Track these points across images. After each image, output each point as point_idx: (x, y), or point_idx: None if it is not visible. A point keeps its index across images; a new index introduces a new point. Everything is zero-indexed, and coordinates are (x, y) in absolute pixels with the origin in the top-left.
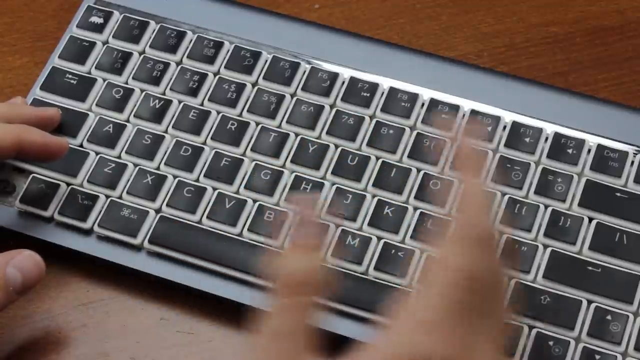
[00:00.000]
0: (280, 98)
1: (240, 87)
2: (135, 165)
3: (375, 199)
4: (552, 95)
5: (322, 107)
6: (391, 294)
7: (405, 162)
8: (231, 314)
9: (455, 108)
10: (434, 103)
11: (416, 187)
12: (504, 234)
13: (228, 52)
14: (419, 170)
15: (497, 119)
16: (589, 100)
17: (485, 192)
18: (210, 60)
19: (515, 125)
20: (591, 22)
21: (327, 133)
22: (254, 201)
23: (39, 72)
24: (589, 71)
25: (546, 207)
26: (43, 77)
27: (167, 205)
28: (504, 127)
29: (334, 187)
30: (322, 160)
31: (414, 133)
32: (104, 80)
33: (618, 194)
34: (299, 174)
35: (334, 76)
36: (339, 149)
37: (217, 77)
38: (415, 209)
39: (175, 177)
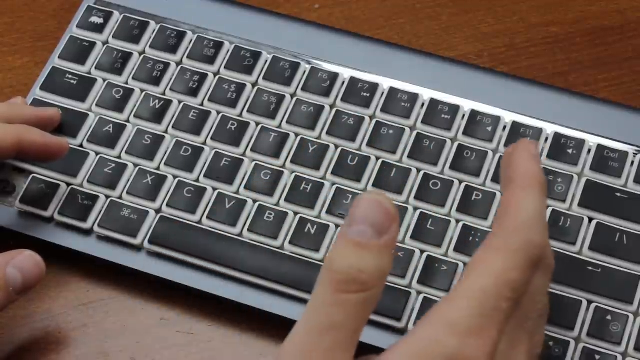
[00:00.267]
0: (280, 98)
1: (240, 87)
2: (135, 165)
3: None
4: (552, 95)
5: (322, 107)
6: (394, 295)
7: (405, 162)
8: (231, 314)
9: (455, 108)
10: (434, 103)
11: (416, 187)
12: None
13: (228, 52)
14: (419, 170)
15: (497, 119)
16: (589, 100)
17: (542, 208)
18: (211, 60)
19: (515, 125)
20: (591, 22)
21: (327, 133)
22: (254, 201)
23: (39, 72)
24: (589, 71)
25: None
26: (43, 77)
27: (167, 205)
28: (504, 127)
29: (334, 187)
30: (322, 160)
31: (414, 133)
32: (104, 80)
33: (618, 194)
34: (299, 174)
35: (334, 76)
36: (339, 149)
37: (217, 77)
38: (415, 209)
39: (175, 177)
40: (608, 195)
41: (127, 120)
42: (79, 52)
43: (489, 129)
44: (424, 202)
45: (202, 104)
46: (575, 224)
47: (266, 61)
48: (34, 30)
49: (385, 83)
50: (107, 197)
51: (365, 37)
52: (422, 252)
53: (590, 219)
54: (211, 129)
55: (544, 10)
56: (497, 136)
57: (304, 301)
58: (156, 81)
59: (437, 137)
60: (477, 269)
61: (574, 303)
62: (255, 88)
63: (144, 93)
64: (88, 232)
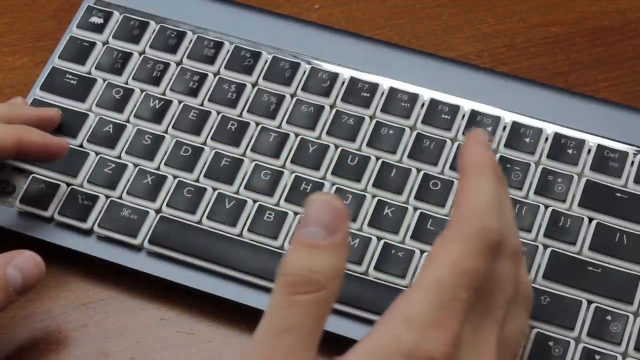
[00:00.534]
0: (280, 98)
1: (240, 87)
2: (135, 165)
3: (375, 199)
4: (552, 95)
5: (322, 107)
6: (391, 294)
7: (405, 162)
8: (231, 314)
9: (455, 108)
10: (434, 103)
11: (416, 187)
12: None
13: (228, 52)
14: (419, 171)
15: (497, 119)
16: (589, 100)
17: (496, 194)
18: (210, 60)
19: (515, 125)
20: (591, 22)
21: (327, 133)
22: (254, 201)
23: (39, 72)
24: (589, 71)
25: (546, 207)
26: (43, 77)
27: (167, 205)
28: (504, 127)
29: (334, 187)
30: (322, 160)
31: (414, 133)
32: (104, 80)
33: (618, 194)
34: (299, 174)
35: (334, 76)
36: (339, 149)
37: (217, 77)
38: (415, 209)
39: (175, 177)
40: (608, 195)
41: (127, 121)
42: (79, 52)
43: (489, 129)
44: (424, 202)
45: (202, 104)
46: (575, 224)
47: (266, 61)
48: (34, 30)
49: (385, 83)
50: (107, 197)
51: (365, 37)
52: (422, 252)
53: (590, 219)
54: (211, 129)
55: (544, 11)
56: (497, 136)
57: None
58: (156, 81)
59: (437, 137)
60: (433, 261)
61: (574, 303)
62: (255, 88)
63: (144, 93)
64: (88, 232)
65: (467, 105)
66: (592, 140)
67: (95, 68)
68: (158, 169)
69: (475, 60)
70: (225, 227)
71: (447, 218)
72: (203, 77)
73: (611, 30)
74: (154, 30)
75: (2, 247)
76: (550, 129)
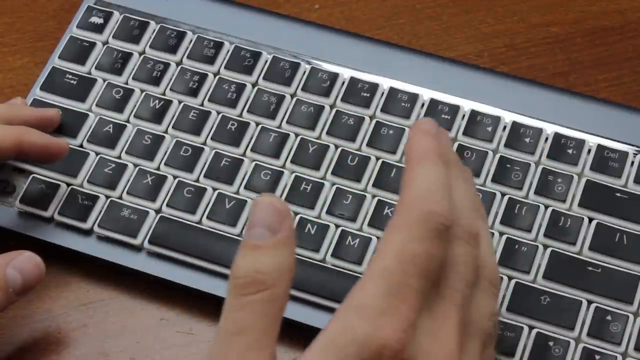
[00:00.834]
0: (280, 98)
1: (240, 88)
2: (135, 165)
3: (375, 199)
4: (552, 95)
5: (322, 108)
6: None
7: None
8: None
9: (455, 108)
10: (434, 103)
11: None
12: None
13: (228, 52)
14: None
15: (497, 119)
16: (589, 100)
17: (441, 178)
18: (210, 60)
19: (515, 125)
20: (591, 22)
21: (327, 133)
22: None
23: (39, 73)
24: (590, 71)
25: (546, 207)
26: (43, 78)
27: (167, 205)
28: (504, 127)
29: (334, 187)
30: (322, 160)
31: None
32: (104, 80)
33: (618, 194)
34: (299, 174)
35: (334, 76)
36: (339, 149)
37: (217, 77)
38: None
39: (175, 177)
40: (608, 195)
41: (127, 121)
42: (79, 52)
43: (489, 129)
44: None
45: (202, 104)
46: (575, 224)
47: (266, 61)
48: (34, 30)
49: (385, 83)
50: (107, 197)
51: (365, 37)
52: None
53: (590, 219)
54: (211, 129)
55: (544, 11)
56: (497, 136)
57: (304, 301)
58: (156, 81)
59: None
60: (380, 250)
61: (574, 303)
62: (255, 88)
63: (144, 93)
64: (88, 232)
65: (467, 105)
66: (592, 140)
67: (95, 68)
68: (158, 169)
69: (475, 60)
70: (225, 227)
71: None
72: (203, 77)
73: (611, 30)
74: (154, 30)
75: (2, 247)
76: (550, 129)
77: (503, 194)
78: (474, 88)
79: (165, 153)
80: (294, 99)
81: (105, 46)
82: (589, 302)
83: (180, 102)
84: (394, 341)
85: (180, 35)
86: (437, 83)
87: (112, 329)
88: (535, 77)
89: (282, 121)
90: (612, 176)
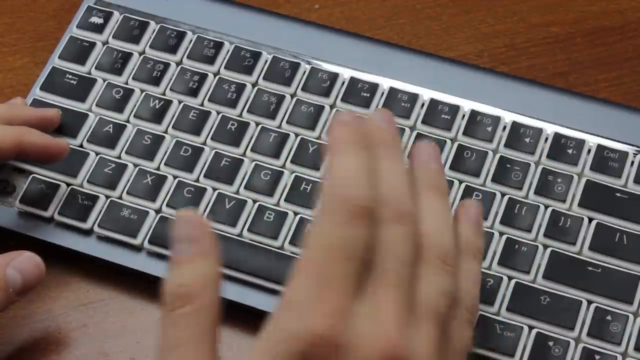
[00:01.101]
0: (280, 98)
1: (240, 88)
2: (135, 165)
3: None
4: (552, 95)
5: (322, 108)
6: None
7: (406, 162)
8: (231, 314)
9: (455, 108)
10: (434, 103)
11: None
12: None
13: (228, 52)
14: None
15: (497, 119)
16: (589, 100)
17: (357, 163)
18: (210, 60)
19: (515, 125)
20: (591, 22)
21: (327, 133)
22: (254, 201)
23: (39, 73)
24: (589, 71)
25: (546, 207)
26: (43, 78)
27: (167, 205)
28: (504, 127)
29: None
30: (322, 160)
31: (414, 133)
32: (104, 80)
33: (618, 194)
34: (298, 174)
35: (334, 76)
36: None
37: (217, 77)
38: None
39: (175, 177)
40: (608, 195)
41: (127, 121)
42: (79, 52)
43: (489, 129)
44: None
45: (202, 104)
46: (575, 224)
47: (266, 61)
48: (34, 31)
49: (385, 83)
50: (107, 197)
51: (365, 37)
52: None
53: (590, 219)
54: (211, 129)
55: (544, 10)
56: (497, 136)
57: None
58: (156, 81)
59: (437, 137)
60: (305, 244)
61: (574, 303)
62: (255, 88)
63: (144, 93)
64: (88, 232)
65: (467, 105)
66: (592, 140)
67: (95, 68)
68: (158, 169)
69: (475, 60)
70: (225, 227)
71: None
72: (203, 77)
73: (611, 30)
74: (154, 30)
75: (2, 247)
76: (550, 129)
77: (503, 194)
78: (474, 88)
79: (165, 153)
80: (294, 99)
81: (105, 46)
82: (589, 302)
83: (180, 102)
84: (323, 329)
85: (180, 35)
86: (437, 83)
87: (112, 329)
88: (535, 77)
89: (282, 121)
90: (612, 176)
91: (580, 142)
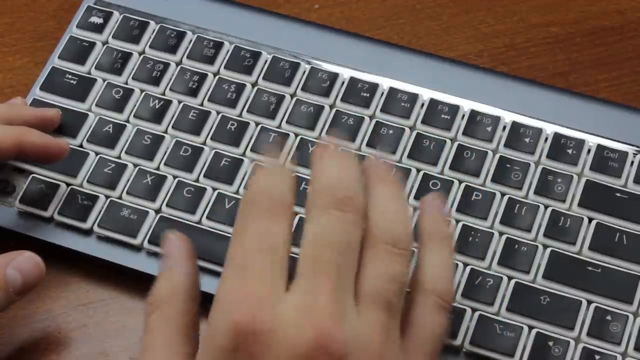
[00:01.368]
0: (280, 98)
1: (240, 87)
2: (135, 165)
3: None
4: (552, 95)
5: (322, 108)
6: None
7: (405, 162)
8: None
9: (455, 108)
10: (434, 103)
11: (416, 187)
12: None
13: (228, 52)
14: (418, 171)
15: (497, 119)
16: (589, 100)
17: (269, 174)
18: (210, 60)
19: (515, 125)
20: (591, 22)
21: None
22: None
23: (39, 72)
24: (589, 71)
25: (546, 207)
26: (43, 77)
27: (167, 205)
28: (504, 127)
29: None
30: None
31: (414, 133)
32: (104, 80)
33: (618, 194)
34: (298, 174)
35: (333, 76)
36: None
37: (217, 77)
38: (415, 209)
39: (175, 177)
40: (608, 195)
41: (127, 121)
42: (79, 52)
43: (489, 129)
44: None
45: (202, 104)
46: (575, 224)
47: (266, 61)
48: (34, 30)
49: (385, 83)
50: (107, 197)
51: (365, 37)
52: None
53: (590, 219)
54: (211, 129)
55: (544, 10)
56: (497, 136)
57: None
58: (156, 81)
59: (437, 137)
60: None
61: (574, 303)
62: (255, 88)
63: (143, 93)
64: (88, 232)
65: (467, 105)
66: (592, 140)
67: (95, 68)
68: (158, 169)
69: (475, 60)
70: (225, 227)
71: (447, 219)
72: (203, 77)
73: (611, 30)
74: (154, 30)
75: (2, 247)
76: (550, 129)
77: (503, 194)
78: (473, 88)
79: (165, 153)
80: (294, 99)
81: (105, 46)
82: (589, 302)
83: (180, 102)
84: (244, 320)
85: (180, 35)
86: (437, 83)
87: (112, 329)
88: (535, 77)
89: (281, 121)
90: (612, 176)
91: (580, 142)
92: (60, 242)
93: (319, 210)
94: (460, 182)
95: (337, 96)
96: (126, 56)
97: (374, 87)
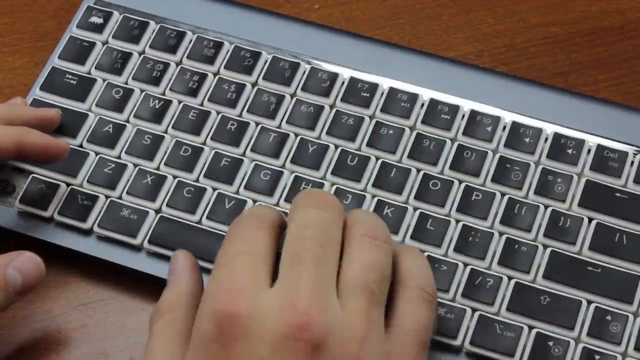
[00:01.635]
0: (280, 98)
1: (240, 87)
2: (135, 165)
3: (375, 199)
4: (552, 95)
5: (321, 108)
6: None
7: (405, 162)
8: None
9: (455, 108)
10: (433, 103)
11: (416, 187)
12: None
13: (228, 52)
14: (418, 171)
15: (497, 119)
16: (589, 100)
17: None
18: (210, 60)
19: (515, 125)
20: (591, 22)
21: (327, 133)
22: (254, 201)
23: (39, 72)
24: (589, 71)
25: (546, 207)
26: (43, 77)
27: (167, 205)
28: (504, 127)
29: (334, 187)
30: (322, 160)
31: (414, 133)
32: (104, 80)
33: (618, 194)
34: (298, 174)
35: (333, 76)
36: (339, 149)
37: (217, 77)
38: (415, 209)
39: (175, 177)
40: (608, 195)
41: (127, 121)
42: (79, 52)
43: (489, 129)
44: (423, 202)
45: (202, 104)
46: (575, 224)
47: (266, 61)
48: (34, 30)
49: (385, 83)
50: (107, 197)
51: (365, 37)
52: (422, 252)
53: (590, 219)
54: (211, 129)
55: (544, 10)
56: (497, 136)
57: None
58: (156, 81)
59: (437, 137)
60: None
61: (574, 303)
62: (255, 88)
63: (143, 93)
64: (88, 232)
65: (467, 105)
66: (592, 140)
67: (95, 68)
68: (158, 169)
69: (475, 60)
70: (225, 227)
71: (447, 218)
72: (203, 77)
73: (611, 30)
74: (154, 30)
75: (2, 247)
76: (550, 129)
77: (503, 194)
78: (473, 88)
79: (165, 153)
80: (294, 99)
81: (105, 46)
82: (589, 302)
83: (180, 102)
84: (225, 305)
85: (180, 35)
86: (437, 83)
87: (112, 329)
88: (535, 77)
89: (281, 121)
90: (612, 176)
91: (580, 142)
92: (60, 242)
93: (300, 209)
94: (460, 182)
95: (337, 96)
96: (126, 56)
97: (374, 87)
